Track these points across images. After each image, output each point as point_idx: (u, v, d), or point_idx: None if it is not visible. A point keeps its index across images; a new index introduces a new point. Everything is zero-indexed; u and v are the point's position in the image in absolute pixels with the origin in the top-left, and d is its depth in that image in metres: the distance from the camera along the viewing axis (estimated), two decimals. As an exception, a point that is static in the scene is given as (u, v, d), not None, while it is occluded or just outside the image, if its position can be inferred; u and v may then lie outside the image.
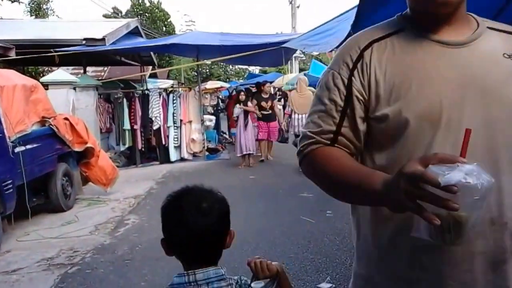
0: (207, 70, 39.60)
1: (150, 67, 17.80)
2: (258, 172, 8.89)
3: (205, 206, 1.31)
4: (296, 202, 6.41)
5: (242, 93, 9.75)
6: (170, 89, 10.97)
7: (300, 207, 6.13)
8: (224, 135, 14.69)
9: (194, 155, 10.64)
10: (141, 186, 7.95)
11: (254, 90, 13.06)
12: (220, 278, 1.30)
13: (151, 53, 15.73)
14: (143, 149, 10.25)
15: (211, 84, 24.81)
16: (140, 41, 10.95)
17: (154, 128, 10.15)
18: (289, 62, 23.82)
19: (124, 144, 10.16)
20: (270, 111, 9.66)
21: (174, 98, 10.30)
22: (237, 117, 9.63)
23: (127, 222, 5.84)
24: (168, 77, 22.79)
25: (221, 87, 24.00)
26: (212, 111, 17.39)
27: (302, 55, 26.02)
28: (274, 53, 11.15)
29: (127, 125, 10.06)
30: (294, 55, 15.26)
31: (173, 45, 9.64)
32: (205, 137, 10.97)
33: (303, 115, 8.74)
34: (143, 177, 8.86)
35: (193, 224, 1.28)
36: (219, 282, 1.30)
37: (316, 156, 1.16)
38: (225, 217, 1.38)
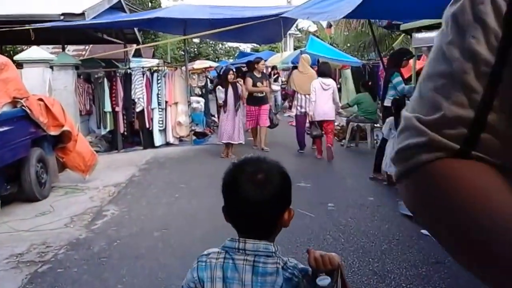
0: (195, 49, 38.84)
1: (134, 45, 17.15)
2: (246, 152, 8.39)
3: (260, 178, 1.29)
4: (292, 193, 5.89)
5: (231, 72, 8.63)
6: (154, 68, 10.38)
7: (298, 198, 5.66)
8: (213, 117, 14.17)
9: (181, 139, 10.14)
10: (122, 173, 7.47)
11: (245, 69, 12.58)
12: (268, 254, 1.29)
13: (135, 29, 15.13)
14: (125, 133, 9.73)
15: (199, 64, 24.17)
16: (122, 16, 10.29)
17: (137, 110, 9.62)
18: (283, 40, 23.29)
19: (105, 128, 9.62)
20: (263, 93, 8.88)
21: (159, 78, 9.76)
22: (223, 101, 8.57)
23: (105, 213, 5.38)
24: (153, 56, 22.08)
25: (210, 67, 23.38)
26: (200, 93, 16.87)
27: (298, 32, 25.43)
28: (270, 28, 10.58)
29: (108, 107, 9.51)
30: (289, 31, 14.70)
31: (158, 19, 8.98)
32: (191, 120, 10.48)
33: (307, 95, 8.40)
34: (125, 163, 8.38)
35: (247, 195, 1.28)
36: (266, 258, 1.29)
37: (436, 178, 0.57)
38: (283, 192, 1.32)
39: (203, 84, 18.07)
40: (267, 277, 1.27)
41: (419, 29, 6.88)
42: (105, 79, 9.55)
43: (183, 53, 37.23)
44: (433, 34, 6.32)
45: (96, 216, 5.27)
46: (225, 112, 8.49)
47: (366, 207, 5.07)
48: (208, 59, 32.82)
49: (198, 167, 7.76)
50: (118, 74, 9.69)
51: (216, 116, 14.20)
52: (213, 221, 4.86)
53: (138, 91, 9.56)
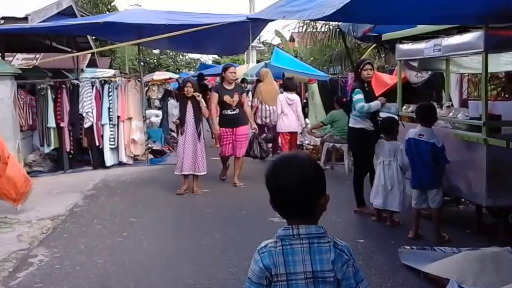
0: (155, 60, 37.56)
1: (89, 55, 15.93)
2: (213, 185, 7.26)
3: (296, 170, 1.55)
4: (266, 229, 4.84)
5: (189, 84, 6.54)
6: (104, 79, 9.28)
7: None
8: (172, 133, 13.12)
9: (135, 158, 9.05)
10: (63, 202, 6.35)
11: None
12: (320, 235, 1.54)
13: (88, 38, 13.97)
14: (71, 152, 8.57)
15: (158, 75, 23.09)
16: (68, 20, 9.11)
17: (86, 126, 8.50)
18: (245, 52, 22.50)
19: (49, 145, 8.44)
20: (237, 110, 6.89)
21: (110, 90, 8.68)
22: (179, 120, 7.02)
23: (32, 260, 4.27)
24: (110, 67, 20.81)
25: (170, 78, 22.33)
26: (160, 105, 15.81)
27: (261, 45, 24.69)
28: (233, 37, 9.74)
29: (52, 123, 8.35)
30: (252, 44, 13.83)
31: (109, 25, 7.90)
32: (148, 137, 9.43)
33: (273, 107, 9.00)
34: (70, 187, 7.25)
35: (286, 186, 1.54)
36: (319, 239, 1.54)
37: None
38: (316, 181, 1.56)
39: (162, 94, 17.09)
40: (323, 255, 1.52)
41: (402, 40, 6.17)
42: (49, 91, 8.39)
43: (143, 63, 36.04)
44: (420, 45, 5.59)
45: (19, 265, 4.17)
46: (182, 133, 6.63)
47: (358, 254, 3.96)
48: (168, 70, 31.67)
49: (153, 194, 6.73)
50: (64, 86, 8.54)
51: (175, 132, 13.21)
52: (171, 271, 3.87)
53: (87, 105, 8.45)
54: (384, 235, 4.72)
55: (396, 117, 5.64)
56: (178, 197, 6.50)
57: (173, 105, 7.58)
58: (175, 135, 13.06)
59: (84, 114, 8.46)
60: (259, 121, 8.96)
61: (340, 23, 8.70)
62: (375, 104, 5.44)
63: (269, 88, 9.31)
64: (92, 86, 8.64)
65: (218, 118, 7.08)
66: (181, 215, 5.75)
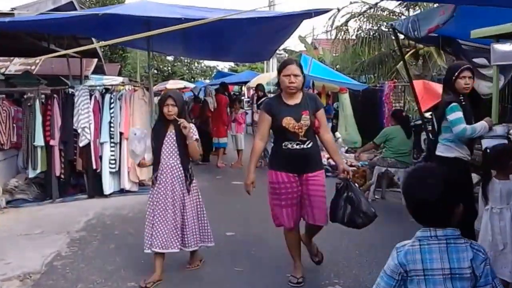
0: (169, 68, 36.17)
1: (95, 60, 14.50)
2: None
3: (430, 182, 1.71)
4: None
5: (171, 100, 3.83)
6: (106, 87, 7.72)
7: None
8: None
9: (141, 183, 7.45)
10: (43, 249, 4.78)
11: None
12: (457, 237, 1.72)
13: (94, 42, 12.51)
14: (62, 176, 7.01)
15: (172, 84, 21.63)
16: (59, 15, 7.46)
17: (81, 144, 6.95)
18: (265, 61, 20.94)
19: (34, 168, 6.90)
20: (309, 142, 3.67)
21: (112, 101, 7.13)
22: (153, 162, 3.99)
23: None
24: (119, 74, 19.38)
25: (185, 87, 20.88)
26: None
27: (281, 52, 23.12)
28: (260, 41, 8.28)
29: (39, 140, 6.82)
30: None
31: (111, 20, 6.28)
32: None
33: None
34: (55, 225, 5.68)
35: (426, 199, 1.71)
36: (455, 239, 1.71)
37: None
38: (450, 192, 1.70)
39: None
40: (461, 254, 1.69)
41: (500, 38, 4.55)
42: (37, 101, 6.86)
43: (156, 71, 34.72)
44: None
45: None
46: (153, 184, 3.97)
47: None
48: (182, 78, 30.23)
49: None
50: (55, 95, 7.00)
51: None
52: None
53: (83, 119, 6.91)
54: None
55: (507, 143, 3.96)
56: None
57: (137, 137, 3.92)
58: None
59: (79, 130, 6.92)
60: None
61: (396, 22, 7.12)
62: (481, 126, 3.78)
63: None
64: (90, 96, 7.10)
65: (269, 155, 4.03)
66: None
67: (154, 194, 3.94)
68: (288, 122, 3.61)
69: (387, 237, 4.62)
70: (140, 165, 4.08)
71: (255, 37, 8.06)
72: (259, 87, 10.78)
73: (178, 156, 3.89)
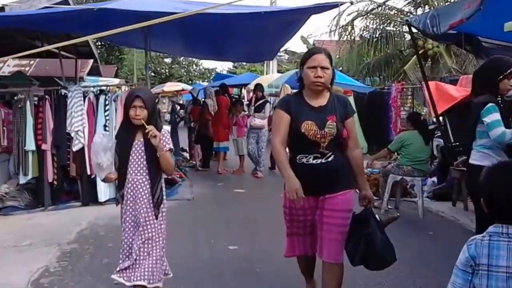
0: (166, 70, 35.78)
1: (91, 61, 14.11)
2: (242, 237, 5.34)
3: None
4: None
5: (138, 101, 3.07)
6: (101, 88, 7.32)
7: None
8: (184, 153, 11.15)
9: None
10: (31, 263, 4.38)
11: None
12: None
13: (90, 42, 12.13)
14: (55, 183, 6.61)
15: (169, 86, 21.26)
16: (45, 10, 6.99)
17: (74, 149, 6.56)
18: (265, 62, 20.57)
19: (25, 174, 6.51)
20: (331, 156, 2.90)
21: (107, 103, 6.74)
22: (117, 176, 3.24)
23: None
24: (116, 76, 18.98)
25: (183, 90, 20.50)
26: (169, 120, 13.92)
27: (281, 53, 22.81)
28: (263, 40, 7.96)
29: (30, 145, 6.42)
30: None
31: (104, 16, 5.92)
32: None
33: None
34: (46, 235, 5.28)
35: (506, 195, 1.69)
36: None
37: None
38: None
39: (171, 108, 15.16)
40: None
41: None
42: (28, 103, 6.47)
43: (153, 74, 34.30)
44: None
45: None
46: (118, 204, 3.33)
47: None
48: (180, 81, 29.82)
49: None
50: (47, 97, 6.62)
51: (187, 151, 11.26)
52: None
53: (76, 122, 6.52)
54: None
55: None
56: (195, 248, 4.49)
57: (97, 152, 3.16)
58: (187, 155, 11.14)
59: (72, 134, 6.53)
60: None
61: (412, 18, 6.75)
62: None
63: None
64: (84, 97, 6.71)
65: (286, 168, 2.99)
66: (201, 272, 3.74)
67: (122, 214, 3.28)
68: (309, 127, 2.84)
69: (404, 252, 4.23)
70: (106, 180, 3.29)
71: (259, 34, 7.74)
72: (258, 87, 9.88)
73: (146, 171, 3.12)
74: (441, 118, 7.86)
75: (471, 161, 3.55)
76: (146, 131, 3.03)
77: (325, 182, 2.87)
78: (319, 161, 2.85)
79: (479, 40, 5.88)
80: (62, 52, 11.09)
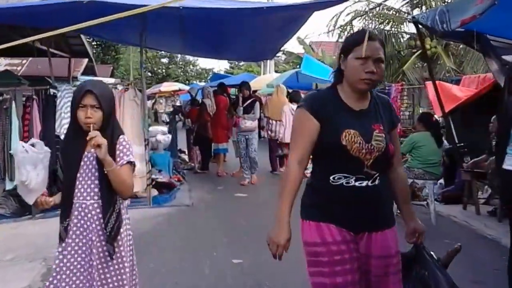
0: (163, 70, 35.32)
1: (85, 60, 13.65)
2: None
3: None
4: None
5: (90, 98, 2.25)
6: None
7: None
8: (183, 155, 10.71)
9: (133, 196, 6.61)
10: (11, 282, 3.94)
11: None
12: None
13: (84, 40, 11.68)
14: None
15: (166, 86, 20.81)
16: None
17: (64, 152, 6.10)
18: (262, 62, 20.17)
19: (11, 180, 6.05)
20: (377, 179, 2.06)
21: (100, 104, 6.29)
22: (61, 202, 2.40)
23: None
24: (112, 76, 18.51)
25: (180, 90, 20.06)
26: (167, 120, 13.44)
27: (280, 54, 22.37)
28: (264, 37, 7.58)
29: (16, 148, 5.96)
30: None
31: (98, 8, 5.47)
32: (152, 165, 7.06)
33: (277, 121, 8.99)
34: (30, 249, 4.83)
35: None
36: None
37: None
38: None
39: (172, 109, 14.70)
40: None
41: None
42: (13, 103, 6.02)
43: (150, 74, 33.82)
44: None
45: None
46: (61, 240, 2.35)
47: None
48: (177, 81, 29.36)
49: (156, 271, 4.27)
50: (35, 97, 6.17)
51: (186, 153, 10.82)
52: None
53: (66, 123, 6.06)
54: None
55: None
56: (197, 278, 4.04)
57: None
58: (185, 157, 10.70)
59: (62, 136, 6.08)
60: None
61: (419, 14, 6.36)
62: None
63: (277, 102, 9.30)
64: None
65: (304, 195, 2.18)
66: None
67: (60, 257, 2.33)
68: (351, 139, 2.00)
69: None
70: (38, 204, 2.41)
71: (260, 31, 7.33)
72: (244, 86, 8.79)
73: (98, 193, 2.31)
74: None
75: (506, 166, 3.11)
76: (88, 138, 2.20)
77: (372, 213, 2.06)
78: (364, 183, 2.02)
79: (487, 38, 5.48)
80: (55, 51, 10.68)
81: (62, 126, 6.06)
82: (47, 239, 5.13)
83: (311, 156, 2.11)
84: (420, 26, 5.94)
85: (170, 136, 9.15)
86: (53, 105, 6.16)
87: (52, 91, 6.29)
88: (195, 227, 5.56)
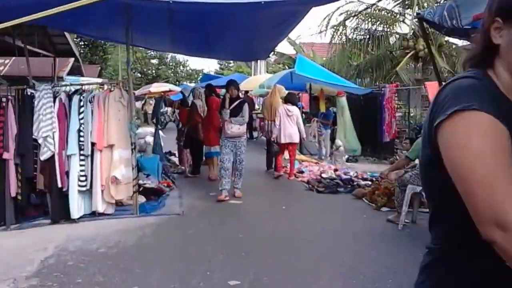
0: (153, 71, 34.71)
1: (71, 60, 13.10)
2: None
3: None
4: None
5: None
6: (75, 88, 6.35)
7: None
8: (172, 157, 10.22)
9: (119, 202, 6.14)
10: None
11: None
12: None
13: (69, 39, 11.18)
14: (19, 197, 5.65)
15: (156, 87, 20.26)
16: None
17: (42, 158, 5.61)
18: (252, 63, 19.76)
19: (-16, 187, 5.55)
20: None
21: (83, 104, 5.81)
22: None
23: None
24: (100, 76, 17.95)
25: (170, 90, 19.54)
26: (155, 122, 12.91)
27: (271, 55, 21.92)
28: (257, 36, 7.17)
29: (-11, 153, 5.47)
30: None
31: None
32: (139, 169, 6.59)
33: (271, 121, 9.30)
34: (1, 266, 4.33)
35: None
36: None
37: None
38: None
39: (162, 110, 14.17)
40: None
41: None
42: (-14, 105, 5.52)
43: (139, 75, 33.24)
44: None
45: None
46: None
47: None
48: (167, 81, 28.79)
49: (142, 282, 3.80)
50: (9, 97, 5.67)
51: (176, 154, 10.33)
52: None
53: (45, 126, 5.57)
54: None
55: None
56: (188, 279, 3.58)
57: None
58: (176, 160, 10.22)
59: (40, 140, 5.58)
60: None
61: (425, 11, 6.00)
62: None
63: (270, 102, 9.66)
64: (55, 98, 5.77)
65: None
66: None
67: None
68: None
69: None
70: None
71: (254, 29, 6.91)
72: (232, 85, 7.56)
73: None
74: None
75: None
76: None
77: None
78: None
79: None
80: (39, 50, 10.18)
81: (40, 129, 5.55)
82: (20, 254, 4.67)
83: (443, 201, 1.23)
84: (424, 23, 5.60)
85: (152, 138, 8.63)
86: (30, 106, 5.65)
87: (29, 91, 5.79)
88: (186, 240, 5.09)
